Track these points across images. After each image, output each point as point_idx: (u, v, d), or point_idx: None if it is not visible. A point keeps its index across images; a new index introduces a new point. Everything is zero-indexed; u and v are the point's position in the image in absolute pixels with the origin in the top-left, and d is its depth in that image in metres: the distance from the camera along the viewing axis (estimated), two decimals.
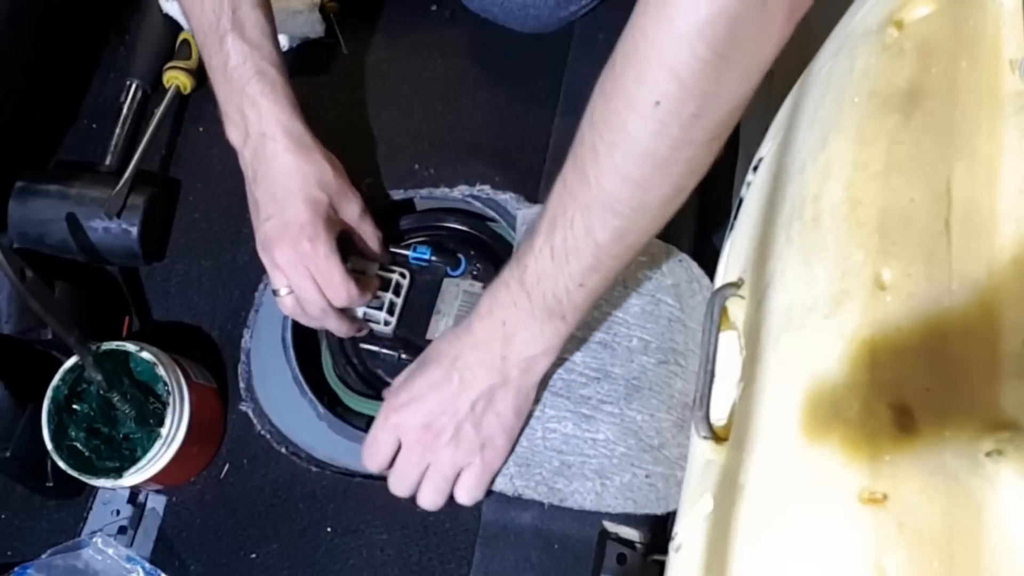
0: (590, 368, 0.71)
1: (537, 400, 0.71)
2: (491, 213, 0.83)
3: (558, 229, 0.61)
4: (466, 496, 0.70)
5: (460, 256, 0.80)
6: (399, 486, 0.71)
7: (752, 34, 0.52)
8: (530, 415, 0.70)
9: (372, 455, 0.71)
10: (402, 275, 0.78)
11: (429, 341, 0.76)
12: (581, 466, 0.70)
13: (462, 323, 0.69)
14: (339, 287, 0.72)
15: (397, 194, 0.84)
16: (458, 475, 0.70)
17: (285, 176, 0.71)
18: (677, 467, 0.69)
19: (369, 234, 0.77)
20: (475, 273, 0.80)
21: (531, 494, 0.70)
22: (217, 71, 0.72)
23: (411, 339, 0.78)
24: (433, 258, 0.80)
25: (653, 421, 0.70)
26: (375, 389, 0.78)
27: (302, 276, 0.71)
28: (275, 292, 0.73)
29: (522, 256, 0.64)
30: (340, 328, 0.75)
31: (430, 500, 0.70)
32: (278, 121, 0.72)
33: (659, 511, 0.69)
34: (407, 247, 0.81)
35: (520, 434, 0.70)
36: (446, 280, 0.79)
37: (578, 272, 0.62)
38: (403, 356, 0.78)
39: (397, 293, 0.78)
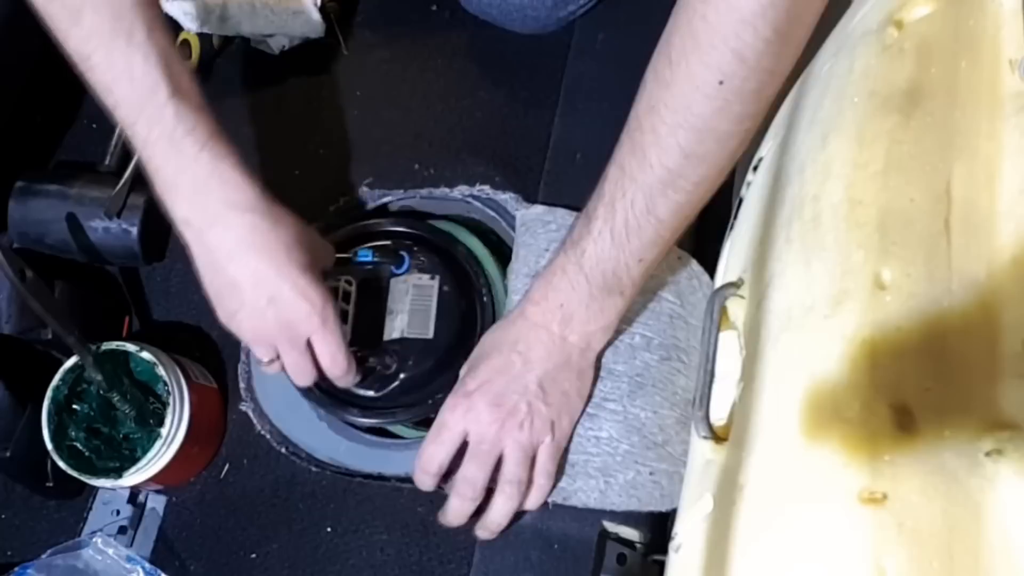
0: None
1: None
2: (491, 213, 0.83)
3: (618, 212, 0.63)
4: (545, 477, 0.68)
5: (402, 253, 0.79)
6: (468, 487, 0.67)
7: (805, 8, 0.55)
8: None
9: (436, 446, 0.67)
10: (348, 282, 0.76)
11: (386, 342, 0.76)
12: (585, 464, 0.70)
13: (510, 313, 0.70)
14: (341, 367, 0.69)
15: (397, 194, 0.84)
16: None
17: (268, 247, 0.65)
18: (681, 464, 0.69)
19: (330, 260, 0.75)
20: (420, 266, 0.78)
21: None
22: (160, 142, 0.63)
23: (368, 343, 0.76)
24: (376, 259, 0.78)
25: (656, 418, 0.70)
26: (333, 398, 0.76)
27: (301, 355, 0.69)
28: (260, 362, 0.71)
29: (577, 242, 0.66)
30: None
31: (513, 474, 0.66)
32: (243, 187, 0.65)
33: (663, 508, 0.69)
34: (348, 254, 0.79)
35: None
36: (392, 280, 0.78)
37: (638, 249, 0.64)
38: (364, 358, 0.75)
39: (347, 301, 0.76)
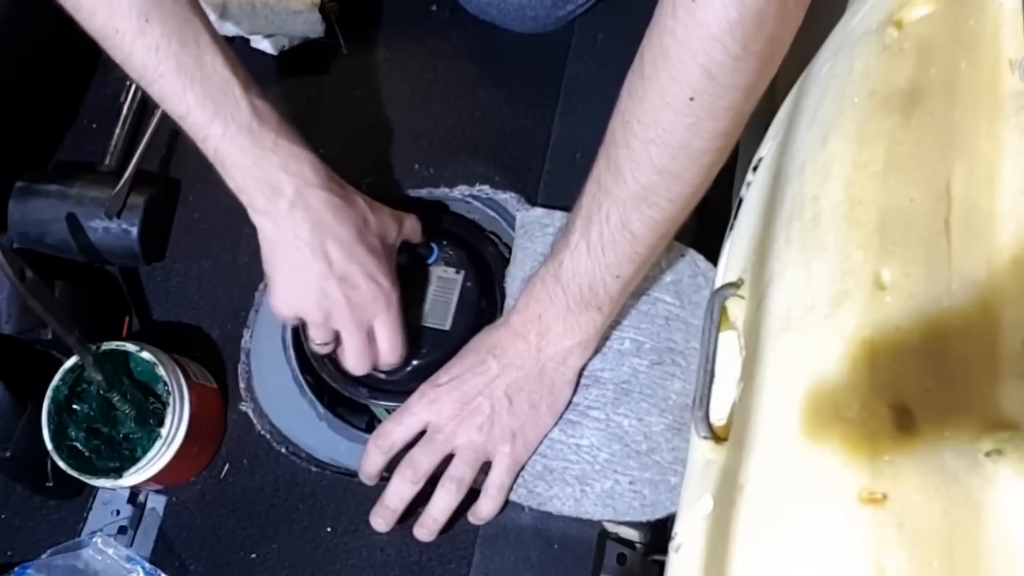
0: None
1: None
2: (491, 213, 0.83)
3: (594, 225, 0.63)
4: (497, 488, 0.69)
5: (432, 244, 0.79)
6: (411, 471, 0.69)
7: (776, 26, 0.54)
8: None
9: (394, 425, 0.70)
10: None
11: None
12: (563, 471, 0.70)
13: (500, 318, 0.71)
14: (399, 353, 0.71)
15: (396, 194, 0.84)
16: (479, 475, 0.70)
17: (341, 230, 0.67)
18: (670, 472, 0.68)
19: (416, 232, 0.77)
20: (447, 259, 0.79)
21: (512, 496, 0.70)
22: (238, 136, 0.66)
23: None
24: (410, 245, 0.79)
25: (641, 425, 0.70)
26: (356, 383, 0.77)
27: (364, 339, 0.70)
28: (313, 341, 0.72)
29: (557, 252, 0.67)
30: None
31: (458, 471, 0.68)
32: (319, 166, 0.68)
33: (642, 518, 0.69)
34: None
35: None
36: (418, 270, 0.79)
37: (614, 264, 0.64)
38: None
39: None
